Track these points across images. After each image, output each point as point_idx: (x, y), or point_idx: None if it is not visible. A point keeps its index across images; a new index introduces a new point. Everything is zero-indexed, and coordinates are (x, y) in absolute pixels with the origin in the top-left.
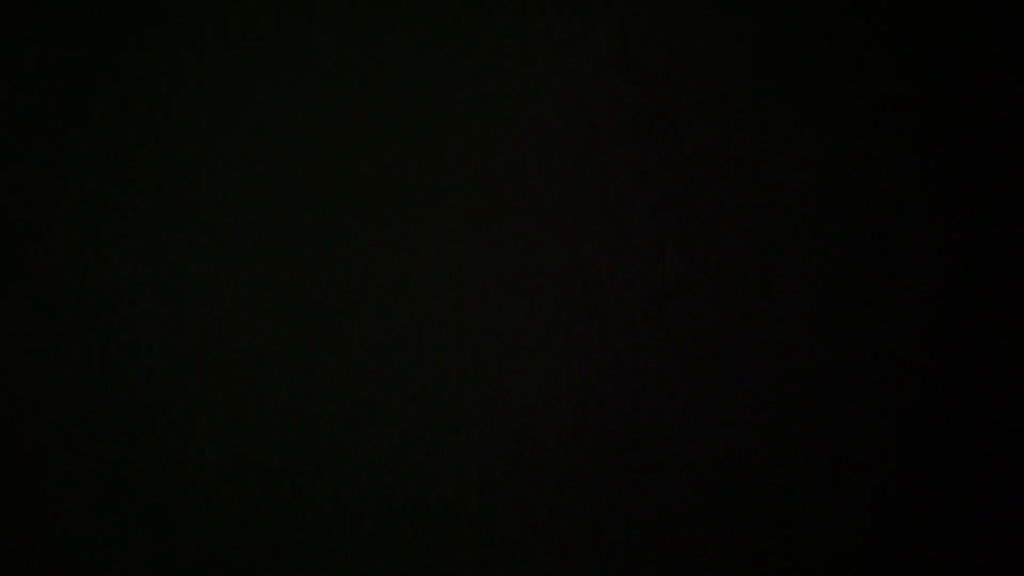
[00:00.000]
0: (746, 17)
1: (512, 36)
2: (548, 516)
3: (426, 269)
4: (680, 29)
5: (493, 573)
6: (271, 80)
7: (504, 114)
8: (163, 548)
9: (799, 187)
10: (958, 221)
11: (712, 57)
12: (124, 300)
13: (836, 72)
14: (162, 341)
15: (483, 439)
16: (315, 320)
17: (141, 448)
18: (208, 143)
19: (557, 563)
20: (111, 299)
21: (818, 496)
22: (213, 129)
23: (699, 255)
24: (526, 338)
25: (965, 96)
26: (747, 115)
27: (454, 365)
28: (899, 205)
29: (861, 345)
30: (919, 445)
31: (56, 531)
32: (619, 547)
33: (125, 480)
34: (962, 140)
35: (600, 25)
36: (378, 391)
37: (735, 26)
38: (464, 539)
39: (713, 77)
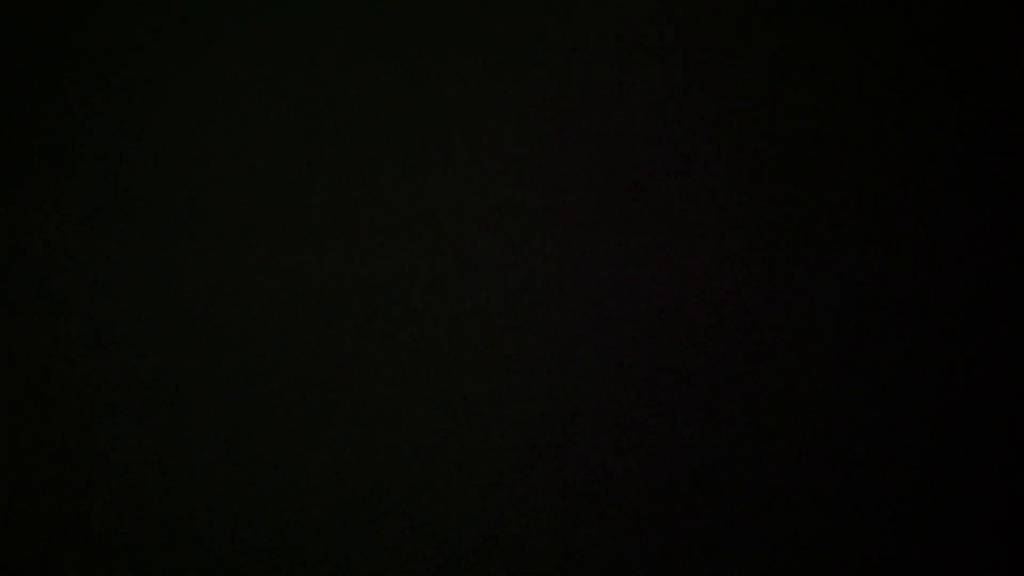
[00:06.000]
0: (754, 16)
1: (515, 33)
2: (550, 519)
3: (427, 271)
4: (688, 27)
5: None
6: (271, 79)
7: (507, 113)
8: (159, 550)
9: (805, 189)
10: (963, 221)
11: (718, 57)
12: (116, 300)
13: (843, 73)
14: (161, 341)
15: (484, 442)
16: (315, 322)
17: (138, 448)
18: (206, 141)
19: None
20: (101, 299)
21: (820, 498)
22: (211, 127)
23: (706, 255)
24: (528, 342)
25: (967, 96)
26: (752, 115)
27: (456, 368)
28: (900, 206)
29: (865, 347)
30: (922, 446)
31: (53, 531)
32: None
33: (123, 480)
34: (969, 139)
35: (606, 23)
36: (379, 394)
37: (742, 25)
38: (466, 545)
39: (718, 77)
